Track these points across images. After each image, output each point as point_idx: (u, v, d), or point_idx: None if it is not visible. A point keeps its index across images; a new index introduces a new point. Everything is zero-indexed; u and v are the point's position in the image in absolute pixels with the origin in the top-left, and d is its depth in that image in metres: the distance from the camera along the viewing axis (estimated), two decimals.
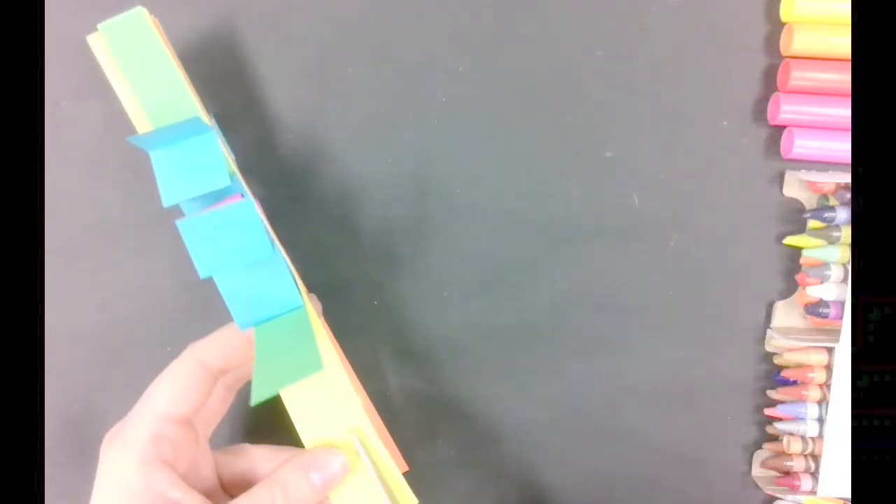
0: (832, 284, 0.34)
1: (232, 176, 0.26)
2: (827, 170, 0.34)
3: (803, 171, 0.34)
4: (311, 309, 0.28)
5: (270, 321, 0.27)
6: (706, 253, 0.35)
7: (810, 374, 0.34)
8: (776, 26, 0.34)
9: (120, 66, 0.27)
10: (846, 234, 0.33)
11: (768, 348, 0.36)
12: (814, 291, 0.34)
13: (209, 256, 0.25)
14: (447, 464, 0.36)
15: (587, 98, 0.34)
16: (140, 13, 0.27)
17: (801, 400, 0.34)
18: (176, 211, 0.26)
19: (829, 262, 0.33)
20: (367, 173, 0.34)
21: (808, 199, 0.35)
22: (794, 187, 0.35)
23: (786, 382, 0.35)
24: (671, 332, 0.35)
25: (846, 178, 0.33)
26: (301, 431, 0.27)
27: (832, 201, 0.34)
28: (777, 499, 0.35)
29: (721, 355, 0.36)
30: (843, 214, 0.33)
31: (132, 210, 0.34)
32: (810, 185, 0.34)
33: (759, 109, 0.35)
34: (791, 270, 0.35)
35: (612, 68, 0.34)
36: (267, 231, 0.26)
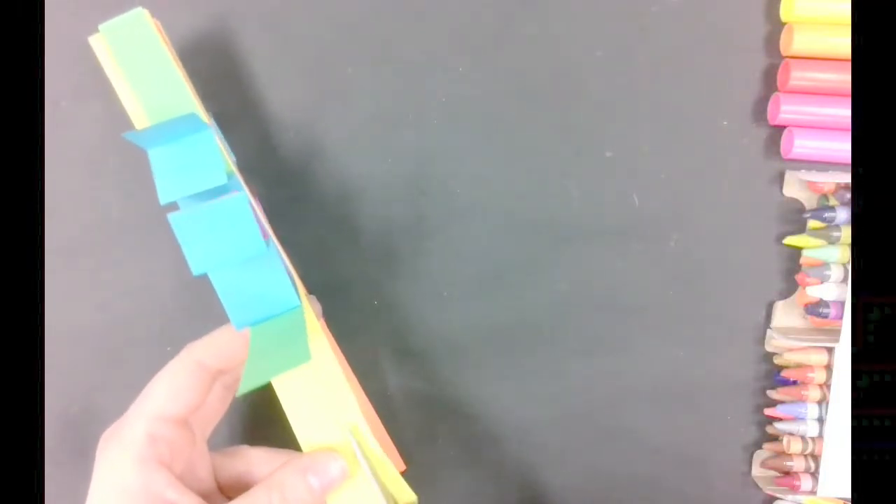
0: (832, 284, 0.34)
1: (230, 175, 0.26)
2: (827, 170, 0.34)
3: (803, 171, 0.34)
4: (309, 309, 0.28)
5: (267, 321, 0.27)
6: (706, 253, 0.35)
7: (810, 374, 0.34)
8: (776, 26, 0.34)
9: (121, 66, 0.27)
10: (846, 234, 0.33)
11: (768, 348, 0.36)
12: (814, 291, 0.34)
13: (201, 252, 0.25)
14: (447, 464, 0.36)
15: (587, 98, 0.34)
16: (141, 14, 0.27)
17: (801, 400, 0.34)
18: (175, 210, 0.26)
19: (829, 262, 0.33)
20: (367, 173, 0.34)
21: (808, 199, 0.35)
22: (794, 187, 0.35)
23: (786, 382, 0.35)
24: (671, 332, 0.35)
25: (846, 178, 0.33)
26: (296, 429, 0.27)
27: (832, 201, 0.34)
28: (777, 499, 0.35)
29: (721, 355, 0.36)
30: (843, 214, 0.33)
31: (132, 210, 0.34)
32: (810, 185, 0.34)
33: (759, 109, 0.35)
34: (791, 270, 0.35)
35: (612, 68, 0.34)
36: (260, 227, 0.26)
